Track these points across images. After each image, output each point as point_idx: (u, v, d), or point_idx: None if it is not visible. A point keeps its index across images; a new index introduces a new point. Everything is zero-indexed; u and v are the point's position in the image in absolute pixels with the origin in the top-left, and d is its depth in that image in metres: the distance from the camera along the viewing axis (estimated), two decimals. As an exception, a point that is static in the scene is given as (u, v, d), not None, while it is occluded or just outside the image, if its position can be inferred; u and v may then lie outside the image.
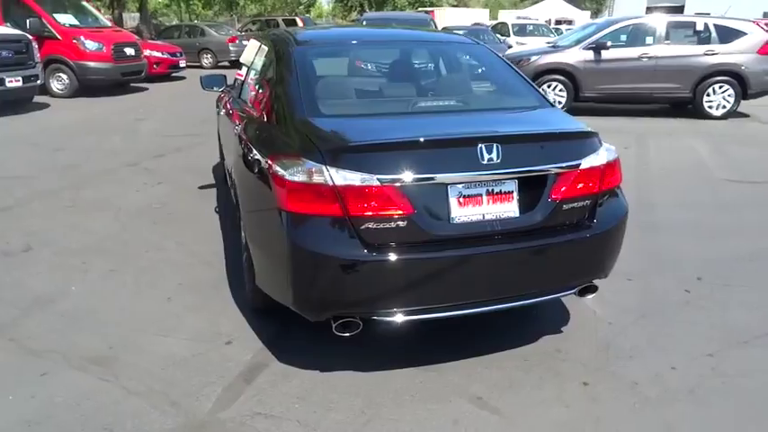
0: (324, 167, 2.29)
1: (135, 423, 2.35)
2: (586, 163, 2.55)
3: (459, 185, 2.38)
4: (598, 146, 2.63)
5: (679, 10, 57.64)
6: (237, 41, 19.76)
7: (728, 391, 2.57)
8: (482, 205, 2.42)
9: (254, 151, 2.83)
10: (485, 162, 2.37)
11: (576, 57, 9.71)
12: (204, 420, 2.39)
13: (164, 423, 2.36)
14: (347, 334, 2.49)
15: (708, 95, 9.70)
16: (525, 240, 2.47)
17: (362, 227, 2.31)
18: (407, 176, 2.30)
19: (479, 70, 3.36)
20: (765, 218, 4.96)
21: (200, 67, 19.62)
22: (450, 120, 2.77)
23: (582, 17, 42.29)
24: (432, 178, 2.33)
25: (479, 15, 42.96)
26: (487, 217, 2.43)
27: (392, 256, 2.31)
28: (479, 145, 2.36)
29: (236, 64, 20.26)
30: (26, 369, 2.73)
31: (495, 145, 2.37)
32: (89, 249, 4.18)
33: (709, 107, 9.74)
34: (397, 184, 2.30)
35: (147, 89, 14.13)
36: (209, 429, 2.34)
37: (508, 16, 41.58)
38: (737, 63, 9.50)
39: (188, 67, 17.28)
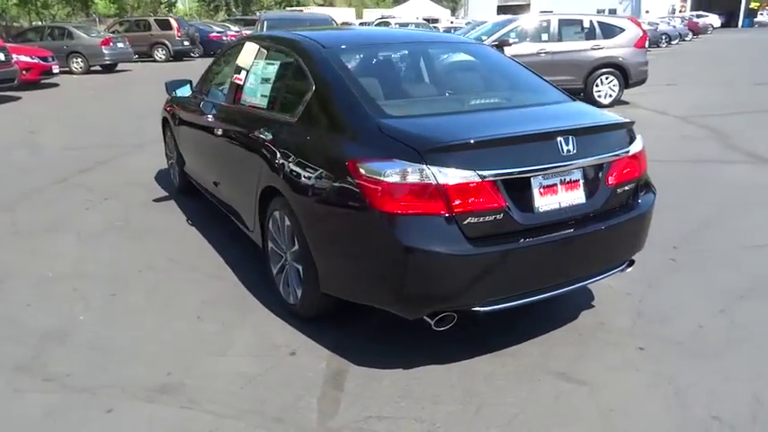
0: (425, 167, 2.34)
1: (249, 445, 2.26)
2: (632, 149, 2.83)
3: (540, 177, 2.54)
4: (635, 134, 2.92)
5: (526, 8, 62.40)
6: (112, 44, 18.40)
7: (753, 338, 2.98)
8: (557, 194, 2.60)
9: (311, 159, 2.78)
10: (564, 154, 2.55)
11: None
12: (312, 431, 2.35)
13: (280, 441, 2.29)
14: (443, 328, 2.56)
15: (597, 86, 10.72)
16: (592, 224, 2.69)
17: (465, 222, 2.39)
18: (502, 171, 2.42)
19: (498, 69, 3.53)
20: (688, 192, 5.63)
21: (70, 72, 18.04)
22: (510, 115, 2.91)
23: (445, 15, 44.28)
24: (522, 171, 2.47)
25: (346, 15, 43.57)
26: (562, 205, 2.61)
27: (494, 249, 2.42)
28: (558, 138, 2.54)
29: (110, 68, 18.87)
30: (88, 408, 2.49)
31: (570, 137, 2.57)
32: (71, 275, 3.81)
33: (599, 96, 10.76)
34: (494, 179, 2.41)
35: (19, 98, 12.78)
36: (329, 439, 2.30)
37: (372, 15, 42.61)
38: (619, 56, 10.59)
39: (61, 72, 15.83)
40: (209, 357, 2.87)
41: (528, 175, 2.50)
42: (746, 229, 4.48)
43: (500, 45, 10.21)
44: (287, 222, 3.03)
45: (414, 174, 2.35)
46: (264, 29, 11.57)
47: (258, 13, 43.72)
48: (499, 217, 2.44)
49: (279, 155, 3.04)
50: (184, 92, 4.70)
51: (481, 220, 2.41)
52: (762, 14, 55.35)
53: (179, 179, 5.37)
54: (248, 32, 30.06)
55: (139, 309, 3.36)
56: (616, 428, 2.34)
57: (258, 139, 3.29)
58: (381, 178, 2.38)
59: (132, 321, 3.22)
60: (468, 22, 39.34)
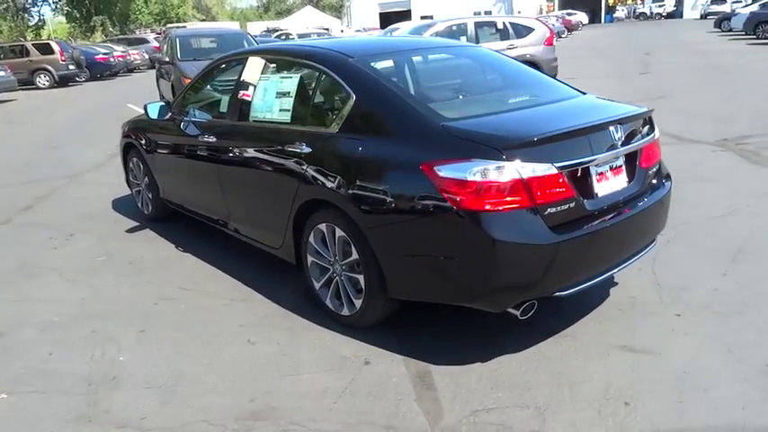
0: (507, 163, 2.45)
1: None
2: (656, 135, 3.11)
3: (597, 164, 2.73)
4: (653, 122, 3.20)
5: (407, 14, 64.18)
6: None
7: (762, 292, 3.35)
8: (608, 180, 2.81)
9: (371, 167, 2.81)
10: (615, 141, 2.76)
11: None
12: (448, 428, 2.38)
13: (403, 446, 2.30)
14: (527, 317, 2.68)
15: (515, 84, 11.33)
16: (636, 205, 2.93)
17: (546, 213, 2.52)
18: (572, 161, 2.59)
19: (511, 68, 3.71)
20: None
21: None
22: (553, 111, 3.06)
23: (335, 25, 44.60)
24: (586, 160, 2.65)
25: (233, 28, 42.74)
26: (613, 189, 2.82)
27: (572, 235, 2.57)
28: (610, 127, 2.75)
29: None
30: (185, 448, 2.36)
31: (619, 126, 2.79)
32: (81, 317, 3.54)
33: (517, 94, 11.39)
34: (566, 170, 2.57)
35: None
36: (450, 437, 2.35)
37: (256, 28, 42.07)
38: (532, 54, 11.30)
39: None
40: (285, 378, 2.80)
41: (589, 163, 2.68)
42: (702, 203, 4.98)
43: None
44: (339, 233, 3.02)
45: (498, 171, 2.45)
46: (178, 47, 11.10)
47: (139, 32, 41.75)
48: (572, 205, 2.60)
49: (325, 167, 3.02)
50: (158, 114, 4.46)
51: (559, 209, 2.56)
52: (619, 10, 60.77)
53: (152, 206, 5.10)
54: (137, 52, 28.66)
55: (178, 341, 3.20)
56: (698, 387, 2.57)
57: (288, 155, 3.24)
58: (466, 178, 2.46)
59: (180, 355, 3.06)
60: (358, 30, 39.82)
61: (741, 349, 2.83)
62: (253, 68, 3.65)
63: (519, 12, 55.38)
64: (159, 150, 4.67)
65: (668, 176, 3.28)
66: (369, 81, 3.06)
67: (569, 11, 48.11)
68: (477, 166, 2.47)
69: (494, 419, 2.43)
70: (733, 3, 41.02)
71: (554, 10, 57.55)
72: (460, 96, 3.33)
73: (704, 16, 43.08)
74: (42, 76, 21.72)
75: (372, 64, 3.20)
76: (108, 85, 22.07)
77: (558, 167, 2.53)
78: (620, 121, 2.81)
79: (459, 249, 2.55)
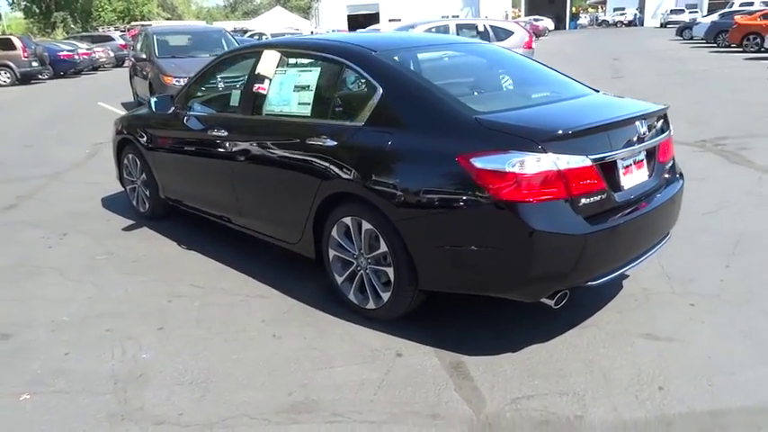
0: (546, 155, 2.50)
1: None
2: (672, 131, 3.21)
3: (622, 158, 2.81)
4: (668, 118, 3.30)
5: (375, 17, 64.44)
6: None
7: (765, 281, 3.49)
8: (632, 173, 2.88)
9: (402, 160, 2.84)
10: (640, 136, 2.85)
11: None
12: (475, 419, 2.40)
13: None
14: (559, 306, 2.73)
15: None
16: (656, 198, 3.01)
17: (580, 204, 2.58)
18: (602, 154, 2.66)
19: (525, 65, 3.76)
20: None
21: None
22: (577, 106, 3.13)
23: (306, 26, 44.43)
24: (615, 153, 2.72)
25: (212, 26, 42.23)
26: (636, 182, 2.90)
27: (604, 226, 2.64)
28: (636, 122, 2.83)
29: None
30: (231, 442, 2.33)
31: (644, 121, 2.87)
32: (93, 316, 3.45)
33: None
34: (598, 162, 2.63)
35: None
36: (497, 427, 2.37)
37: (227, 27, 41.66)
38: (511, 58, 11.46)
39: None
40: (318, 371, 2.79)
41: (618, 156, 2.75)
42: (693, 201, 5.06)
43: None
44: (366, 227, 3.03)
45: (537, 162, 2.49)
46: (155, 44, 10.89)
47: (103, 29, 40.70)
48: (603, 197, 2.67)
49: (351, 160, 3.01)
50: (163, 108, 4.37)
51: (591, 201, 2.62)
52: (582, 17, 62.28)
53: (149, 204, 4.99)
54: (102, 49, 27.90)
55: (201, 338, 3.15)
56: (724, 370, 2.66)
57: (310, 148, 3.23)
58: (505, 169, 2.49)
59: (205, 351, 3.01)
60: (329, 31, 39.72)
61: (757, 334, 2.95)
62: (268, 62, 3.62)
63: (486, 16, 56.25)
64: (161, 146, 4.58)
65: (681, 174, 3.39)
66: (395, 75, 3.07)
67: (537, 17, 49.02)
68: (515, 157, 2.51)
69: (536, 406, 2.47)
70: (690, 12, 42.59)
71: (520, 15, 58.57)
72: (483, 91, 3.37)
73: (664, 25, 44.48)
74: (3, 72, 20.95)
75: (395, 58, 3.22)
76: (74, 83, 21.42)
77: (592, 160, 2.60)
78: (644, 117, 2.90)
79: (497, 240, 2.59)
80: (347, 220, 3.14)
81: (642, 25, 52.31)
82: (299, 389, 2.65)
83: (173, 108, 4.38)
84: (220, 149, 3.88)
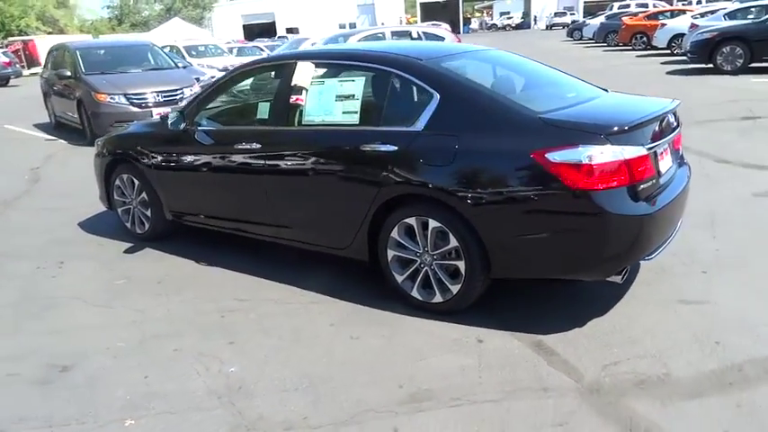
0: (611, 147, 2.82)
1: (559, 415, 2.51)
2: (681, 123, 3.66)
3: (658, 146, 3.19)
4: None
5: (272, 26, 63.66)
6: None
7: (750, 245, 4.04)
8: (664, 160, 3.28)
9: (472, 160, 3.05)
10: (672, 128, 3.25)
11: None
12: (581, 387, 2.66)
13: (578, 402, 2.57)
14: (623, 281, 3.07)
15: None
16: (679, 179, 3.44)
17: (639, 188, 2.92)
18: (652, 144, 3.02)
19: (543, 70, 4.09)
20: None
21: None
22: (609, 103, 3.49)
23: (207, 37, 43.16)
24: (658, 143, 3.10)
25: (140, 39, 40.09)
26: (668, 167, 3.31)
27: (659, 207, 3.00)
28: (669, 117, 3.23)
29: None
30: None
31: (673, 115, 3.28)
32: (149, 339, 3.39)
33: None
34: (650, 151, 3.00)
35: None
36: (603, 391, 2.65)
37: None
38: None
39: None
40: (416, 363, 2.95)
41: (658, 146, 3.14)
42: None
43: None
44: (433, 225, 3.21)
45: (607, 154, 2.81)
46: (80, 61, 10.30)
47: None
48: (654, 181, 3.04)
49: (417, 163, 3.19)
50: (179, 124, 4.29)
51: (647, 185, 2.98)
52: (473, 22, 65.18)
53: (149, 224, 4.85)
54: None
55: (279, 347, 3.20)
56: (762, 323, 3.10)
57: (366, 154, 3.37)
58: (581, 161, 2.79)
59: (292, 358, 3.08)
60: (229, 42, 38.81)
61: (769, 292, 3.45)
62: (304, 73, 3.71)
63: (383, 23, 57.40)
64: (170, 162, 4.48)
65: (686, 160, 3.85)
66: (450, 81, 3.29)
67: (435, 22, 50.72)
68: (587, 150, 2.81)
69: (625, 370, 2.78)
70: (570, 15, 45.97)
71: (416, 21, 60.28)
72: (525, 93, 3.64)
73: (550, 27, 47.59)
74: None
75: (443, 66, 3.43)
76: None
77: (647, 149, 2.95)
78: (673, 111, 3.31)
79: (574, 225, 2.88)
80: (410, 220, 3.31)
81: (530, 28, 55.63)
82: (408, 381, 2.80)
83: (183, 124, 4.31)
84: (252, 162, 3.91)
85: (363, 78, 3.56)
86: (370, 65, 3.59)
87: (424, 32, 11.77)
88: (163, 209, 4.71)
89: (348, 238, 3.60)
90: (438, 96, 3.23)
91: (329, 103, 3.63)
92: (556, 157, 2.84)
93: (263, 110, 4.01)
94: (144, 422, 2.64)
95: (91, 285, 4.20)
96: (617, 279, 3.04)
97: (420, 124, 3.26)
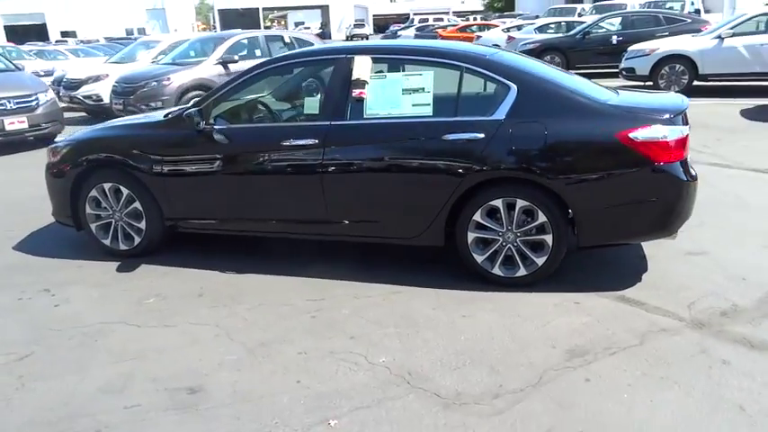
0: (678, 127, 3.45)
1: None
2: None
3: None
4: None
5: (42, 28, 56.64)
6: None
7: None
8: (678, 144, 4.03)
9: (559, 143, 3.46)
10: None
11: (210, 71, 10.24)
12: (688, 323, 3.22)
13: (699, 334, 3.11)
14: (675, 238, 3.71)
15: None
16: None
17: (686, 161, 3.60)
18: (685, 126, 3.71)
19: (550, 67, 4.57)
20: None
21: None
22: (639, 97, 4.14)
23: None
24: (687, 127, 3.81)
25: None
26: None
27: (695, 174, 3.71)
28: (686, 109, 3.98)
29: None
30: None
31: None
32: (256, 349, 3.20)
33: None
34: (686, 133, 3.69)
35: None
36: (705, 322, 3.23)
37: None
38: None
39: None
40: (545, 327, 3.26)
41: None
42: None
43: (225, 63, 10.34)
44: (521, 204, 3.55)
45: (677, 131, 3.43)
46: None
47: None
48: (689, 156, 3.74)
49: (506, 150, 3.50)
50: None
51: (688, 158, 3.67)
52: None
53: (141, 237, 4.36)
54: None
55: (402, 334, 3.27)
56: (751, 264, 3.98)
57: (448, 144, 3.58)
58: (660, 139, 3.37)
59: (432, 341, 3.18)
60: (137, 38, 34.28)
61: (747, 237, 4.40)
62: (363, 67, 3.76)
63: (176, 30, 54.56)
64: (187, 166, 4.11)
65: None
66: (523, 74, 3.67)
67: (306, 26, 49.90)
68: (663, 129, 3.40)
69: (705, 305, 3.41)
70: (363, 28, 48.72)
71: (207, 29, 58.53)
72: (572, 85, 4.10)
73: (350, 38, 49.77)
74: None
75: (506, 60, 3.78)
76: None
77: (684, 132, 3.63)
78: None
79: (655, 193, 3.46)
80: (496, 202, 3.59)
81: (330, 38, 57.53)
82: (555, 341, 3.10)
83: (201, 123, 4.01)
84: (305, 159, 3.83)
85: (431, 72, 3.74)
86: (439, 60, 3.81)
87: (296, 38, 11.80)
88: (162, 218, 4.29)
89: (422, 225, 3.75)
90: (516, 88, 3.57)
91: (395, 96, 3.75)
92: (638, 136, 3.38)
93: (312, 105, 3.94)
94: (347, 419, 2.57)
95: (117, 310, 3.69)
96: (673, 237, 3.68)
97: (500, 113, 3.57)
